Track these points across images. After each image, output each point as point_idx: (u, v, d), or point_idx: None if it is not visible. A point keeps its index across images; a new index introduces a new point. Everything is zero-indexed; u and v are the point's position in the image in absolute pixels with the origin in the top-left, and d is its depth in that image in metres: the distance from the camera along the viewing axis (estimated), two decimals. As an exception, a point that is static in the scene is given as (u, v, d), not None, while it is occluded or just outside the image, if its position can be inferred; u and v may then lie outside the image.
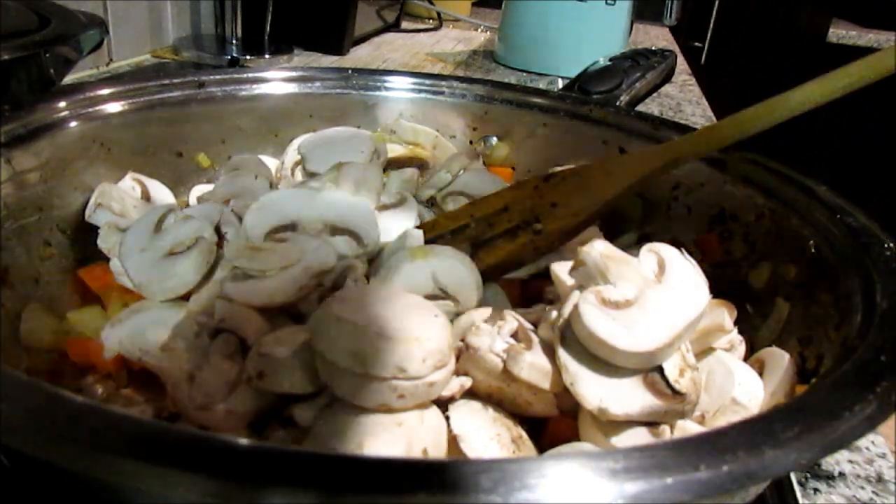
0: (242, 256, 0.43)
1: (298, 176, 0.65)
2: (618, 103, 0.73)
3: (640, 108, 0.77)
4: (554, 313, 0.42)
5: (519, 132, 0.71)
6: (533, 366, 0.39)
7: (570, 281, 0.44)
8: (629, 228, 0.65)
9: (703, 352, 0.44)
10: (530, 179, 0.57)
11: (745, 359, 0.47)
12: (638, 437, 0.37)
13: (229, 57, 1.31)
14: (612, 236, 0.60)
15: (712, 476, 0.26)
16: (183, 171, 0.65)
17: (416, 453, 0.35)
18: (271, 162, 0.67)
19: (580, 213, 0.54)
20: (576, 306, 0.39)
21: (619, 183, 0.54)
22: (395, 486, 0.24)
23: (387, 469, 0.24)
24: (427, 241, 0.51)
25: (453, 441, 0.37)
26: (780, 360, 0.45)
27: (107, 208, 0.55)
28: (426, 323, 0.38)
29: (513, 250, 0.54)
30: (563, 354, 0.39)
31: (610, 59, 0.81)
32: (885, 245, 0.45)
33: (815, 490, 0.48)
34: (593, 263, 0.41)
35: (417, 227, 0.53)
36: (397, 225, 0.52)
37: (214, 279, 0.46)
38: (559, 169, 0.57)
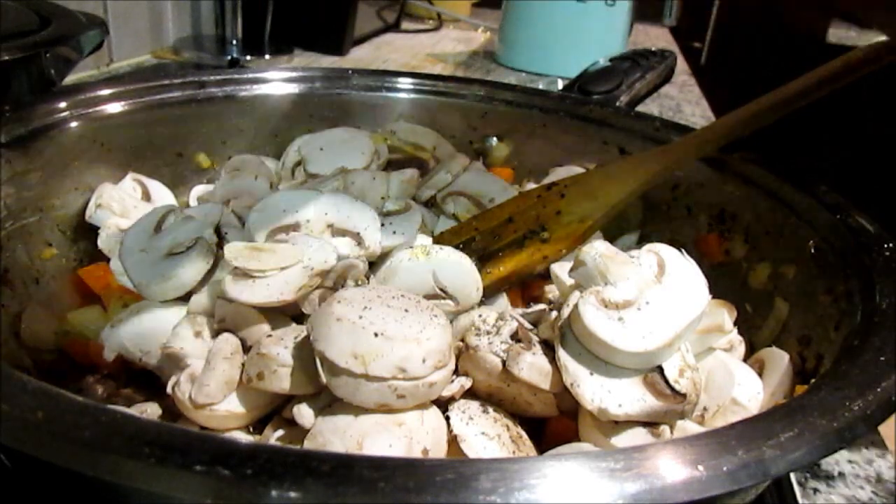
0: (242, 256, 0.43)
1: (298, 176, 0.65)
2: (618, 104, 0.73)
3: (640, 108, 0.77)
4: (554, 313, 0.42)
5: (519, 132, 0.71)
6: (533, 366, 0.39)
7: (569, 281, 0.44)
8: (629, 229, 0.65)
9: (703, 352, 0.44)
10: (533, 190, 0.57)
11: (745, 359, 0.47)
12: (638, 437, 0.37)
13: (229, 57, 1.31)
14: (612, 237, 0.60)
15: (712, 476, 0.26)
16: (183, 171, 0.65)
17: (416, 453, 0.35)
18: (271, 162, 0.67)
19: (586, 220, 0.54)
20: (576, 307, 0.39)
21: (623, 188, 0.54)
22: (395, 487, 0.24)
23: (387, 469, 0.24)
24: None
25: (453, 441, 0.37)
26: (779, 360, 0.45)
27: (107, 208, 0.55)
28: (426, 323, 0.38)
29: (521, 259, 0.54)
30: (563, 354, 0.39)
31: (610, 60, 0.81)
32: (885, 245, 0.45)
33: (815, 490, 0.48)
34: (593, 264, 0.41)
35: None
36: (401, 232, 0.52)
37: (214, 279, 0.46)
38: (559, 173, 0.57)
